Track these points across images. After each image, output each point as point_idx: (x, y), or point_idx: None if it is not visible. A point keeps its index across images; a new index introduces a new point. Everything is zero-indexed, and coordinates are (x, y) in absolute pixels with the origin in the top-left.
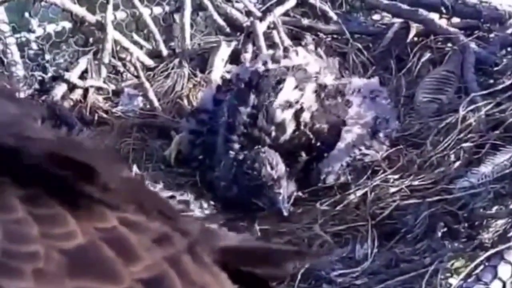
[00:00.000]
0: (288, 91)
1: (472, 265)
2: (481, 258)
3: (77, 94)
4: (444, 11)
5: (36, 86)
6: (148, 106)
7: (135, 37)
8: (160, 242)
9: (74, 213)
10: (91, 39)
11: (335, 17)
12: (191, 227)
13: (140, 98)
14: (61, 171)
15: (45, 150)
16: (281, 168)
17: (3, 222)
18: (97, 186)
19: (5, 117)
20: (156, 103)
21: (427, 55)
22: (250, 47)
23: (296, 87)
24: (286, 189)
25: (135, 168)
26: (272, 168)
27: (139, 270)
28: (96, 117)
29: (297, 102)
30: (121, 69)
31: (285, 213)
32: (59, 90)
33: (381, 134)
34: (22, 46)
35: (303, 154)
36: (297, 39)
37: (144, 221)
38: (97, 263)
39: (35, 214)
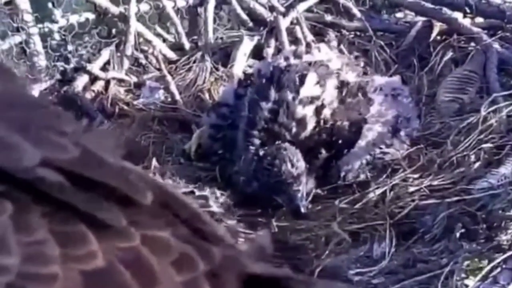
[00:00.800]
0: (309, 87)
1: (489, 267)
2: (499, 260)
3: (99, 85)
4: (467, 10)
5: (58, 76)
6: (169, 99)
7: (158, 29)
8: (181, 264)
9: (95, 231)
10: (114, 31)
11: (358, 14)
12: (216, 250)
13: (161, 91)
14: (82, 191)
15: (65, 171)
16: (301, 165)
17: (23, 244)
18: (122, 203)
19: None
20: (178, 96)
21: (450, 54)
22: (272, 42)
23: (317, 83)
24: (305, 186)
25: (154, 162)
26: (292, 165)
27: None
28: (117, 109)
29: (318, 98)
30: (143, 61)
31: (303, 210)
32: (81, 81)
33: (402, 133)
34: (45, 36)
35: (323, 151)
36: (320, 35)
37: (168, 239)
38: (114, 286)
39: (56, 233)
